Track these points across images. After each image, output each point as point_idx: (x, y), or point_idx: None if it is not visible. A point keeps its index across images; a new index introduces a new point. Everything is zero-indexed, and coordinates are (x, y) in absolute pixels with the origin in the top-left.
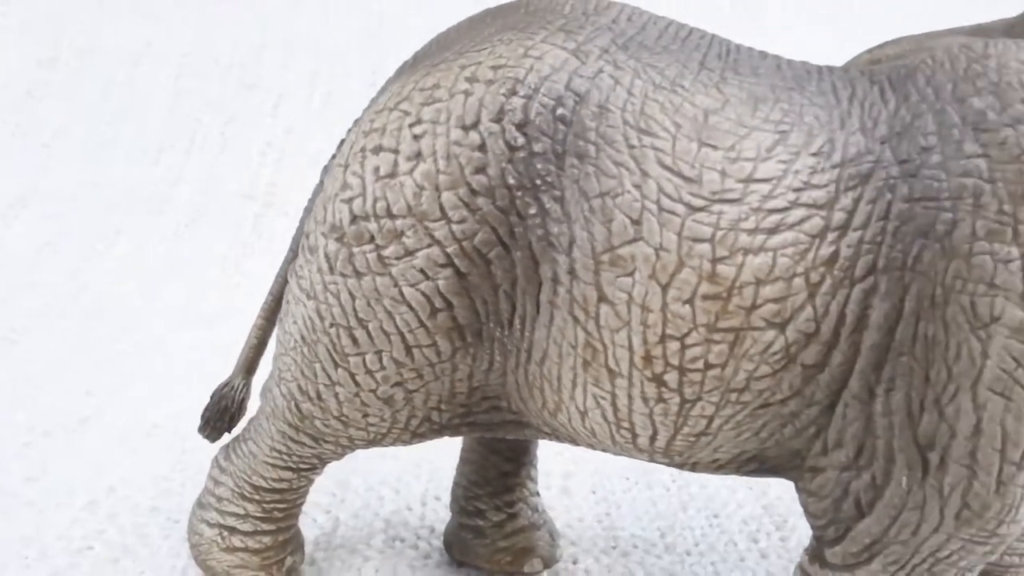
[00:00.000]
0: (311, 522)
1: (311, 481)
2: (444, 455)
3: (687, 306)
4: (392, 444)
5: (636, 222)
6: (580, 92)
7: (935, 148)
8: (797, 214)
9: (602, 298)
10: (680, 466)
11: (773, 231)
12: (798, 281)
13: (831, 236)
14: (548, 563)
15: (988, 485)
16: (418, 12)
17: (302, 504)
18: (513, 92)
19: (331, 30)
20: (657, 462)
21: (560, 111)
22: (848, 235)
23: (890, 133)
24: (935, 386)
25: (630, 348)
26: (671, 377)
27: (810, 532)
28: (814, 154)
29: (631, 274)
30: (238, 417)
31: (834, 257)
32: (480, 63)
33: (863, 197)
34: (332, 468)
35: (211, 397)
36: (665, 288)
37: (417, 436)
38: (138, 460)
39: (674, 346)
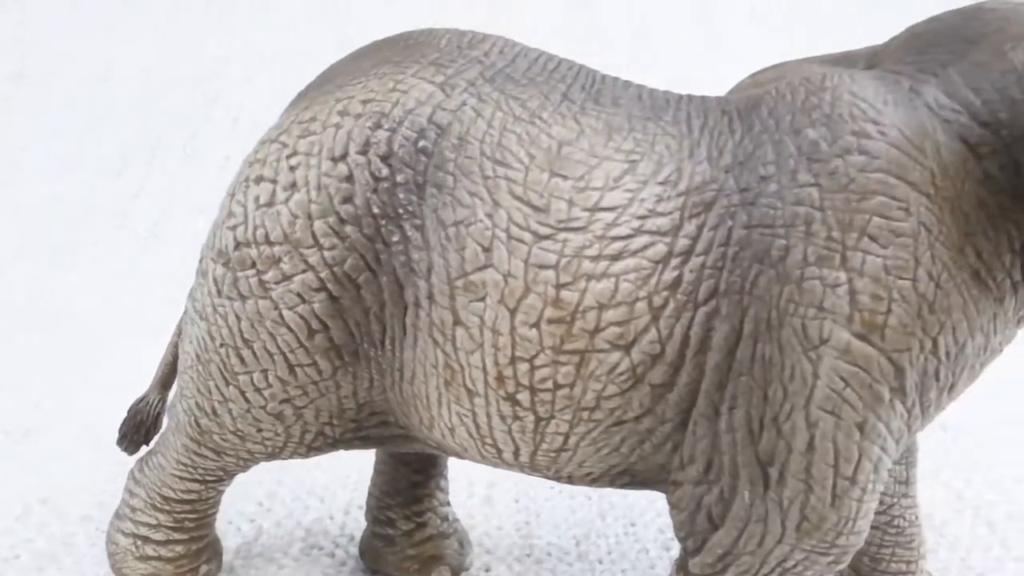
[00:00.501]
0: (235, 531)
1: (220, 492)
2: (372, 466)
3: (534, 329)
4: (291, 457)
5: (487, 249)
6: (442, 125)
7: (773, 177)
8: (641, 241)
9: (457, 321)
10: (556, 479)
11: (616, 257)
12: (641, 305)
13: (674, 262)
14: (456, 571)
15: (824, 499)
16: (380, 29)
17: (214, 514)
18: (379, 125)
19: (293, 46)
20: (535, 475)
21: (422, 143)
22: (691, 260)
23: (734, 162)
24: (772, 405)
25: (484, 369)
26: (523, 396)
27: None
28: (661, 183)
29: (482, 299)
30: (153, 431)
31: (677, 281)
32: (352, 97)
33: (706, 224)
34: (261, 478)
35: (127, 411)
36: (513, 312)
37: (313, 450)
38: (77, 471)
39: (524, 367)
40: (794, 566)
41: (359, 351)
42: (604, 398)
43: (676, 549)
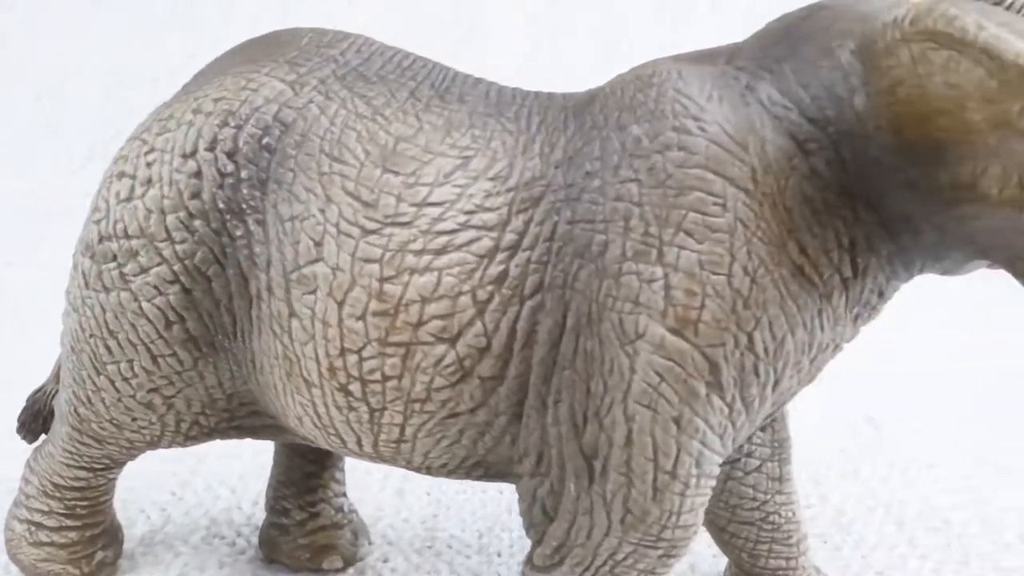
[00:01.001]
0: (145, 519)
1: (110, 480)
2: None
3: (360, 322)
4: (171, 446)
5: (318, 244)
6: (287, 122)
7: (597, 173)
8: (466, 236)
9: (292, 313)
10: (416, 470)
11: (440, 252)
12: (464, 299)
13: (500, 256)
14: (349, 561)
15: (645, 492)
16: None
17: (107, 500)
18: (225, 123)
19: None
20: (397, 466)
21: (266, 140)
22: (518, 255)
23: (563, 158)
24: (594, 398)
25: (317, 360)
26: (355, 387)
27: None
28: (491, 179)
29: (314, 292)
30: (50, 420)
31: (503, 276)
32: (207, 96)
33: (533, 219)
34: (175, 469)
35: (26, 401)
36: (341, 305)
37: (191, 439)
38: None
39: (353, 359)
40: (624, 559)
41: (215, 342)
42: (434, 390)
43: None
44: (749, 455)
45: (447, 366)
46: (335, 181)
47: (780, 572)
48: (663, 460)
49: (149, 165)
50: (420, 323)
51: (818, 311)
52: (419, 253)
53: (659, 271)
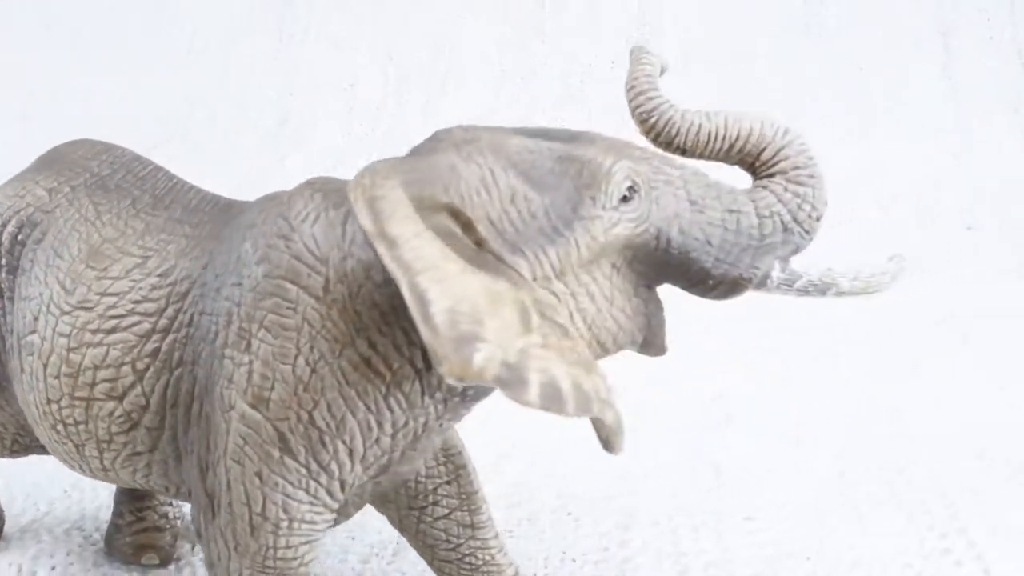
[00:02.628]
0: (35, 509)
1: None
2: None
3: (56, 380)
4: (2, 457)
5: (35, 319)
6: (36, 222)
7: (221, 276)
8: (132, 320)
9: (22, 369)
10: (151, 490)
11: (111, 332)
12: (126, 368)
13: (156, 337)
14: (165, 560)
15: (245, 529)
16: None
17: None
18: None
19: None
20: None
21: (20, 236)
22: (168, 336)
23: (208, 261)
24: (211, 451)
25: (36, 405)
26: (60, 428)
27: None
28: (159, 275)
29: (32, 354)
30: None
31: (156, 352)
32: None
33: (182, 309)
34: None
35: None
36: (45, 366)
37: (15, 452)
38: None
39: (55, 407)
40: None
41: (2, 383)
42: (114, 435)
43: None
44: (436, 504)
45: (118, 417)
46: (52, 272)
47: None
48: (254, 505)
49: None
50: (94, 383)
51: (384, 396)
52: (95, 332)
53: (246, 358)
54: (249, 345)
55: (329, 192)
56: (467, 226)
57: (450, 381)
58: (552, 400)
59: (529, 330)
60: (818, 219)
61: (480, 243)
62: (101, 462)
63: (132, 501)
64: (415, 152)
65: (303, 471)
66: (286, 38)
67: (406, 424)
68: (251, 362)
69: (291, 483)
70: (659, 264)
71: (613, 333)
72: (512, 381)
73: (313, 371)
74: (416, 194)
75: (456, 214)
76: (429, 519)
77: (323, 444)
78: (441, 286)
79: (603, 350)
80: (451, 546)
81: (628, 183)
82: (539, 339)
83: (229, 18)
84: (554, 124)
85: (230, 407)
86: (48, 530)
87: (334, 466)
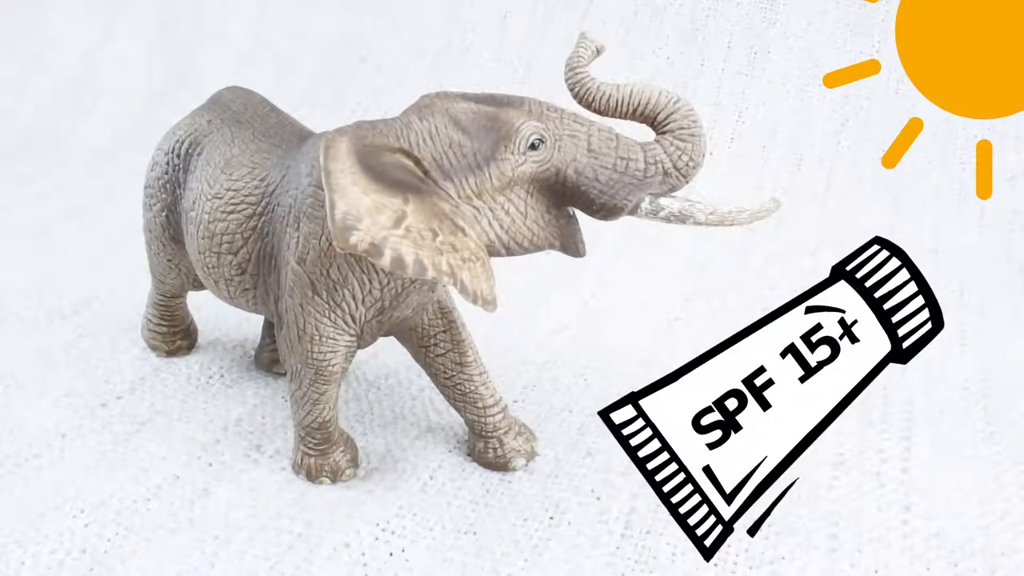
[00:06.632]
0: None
1: (178, 303)
2: None
3: (202, 240)
4: (193, 290)
5: (194, 202)
6: (198, 142)
7: (291, 181)
8: (242, 207)
9: (186, 232)
10: (268, 316)
11: (231, 212)
12: (238, 236)
13: (255, 218)
14: None
15: (295, 338)
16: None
17: (180, 314)
18: (179, 139)
19: None
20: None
21: (190, 150)
22: (262, 218)
23: (286, 172)
24: (280, 288)
25: (193, 255)
26: (204, 270)
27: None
28: (259, 180)
29: (191, 223)
30: None
31: (255, 227)
32: (180, 124)
33: (270, 202)
34: None
35: None
36: (197, 230)
37: (196, 287)
38: None
39: (202, 256)
40: (300, 370)
41: (182, 240)
42: (233, 276)
43: None
44: (435, 345)
45: (234, 266)
46: (204, 174)
47: (476, 423)
48: (299, 323)
49: (159, 150)
50: (221, 243)
51: (371, 264)
52: (223, 212)
53: (296, 234)
54: (298, 226)
55: (355, 131)
56: (416, 162)
57: (339, 250)
58: (397, 266)
59: (397, 227)
60: (695, 167)
61: (426, 172)
62: (228, 294)
63: (268, 328)
64: (403, 112)
65: (325, 305)
66: None
67: (389, 283)
68: (298, 236)
69: (318, 312)
70: (559, 192)
71: (528, 237)
72: (373, 253)
73: (330, 244)
74: (359, 144)
75: (407, 154)
76: (431, 356)
77: (336, 289)
78: (343, 200)
79: (522, 248)
80: (447, 376)
81: (535, 137)
82: (402, 232)
83: None
84: None
85: (286, 263)
86: (223, 346)
87: (344, 304)
